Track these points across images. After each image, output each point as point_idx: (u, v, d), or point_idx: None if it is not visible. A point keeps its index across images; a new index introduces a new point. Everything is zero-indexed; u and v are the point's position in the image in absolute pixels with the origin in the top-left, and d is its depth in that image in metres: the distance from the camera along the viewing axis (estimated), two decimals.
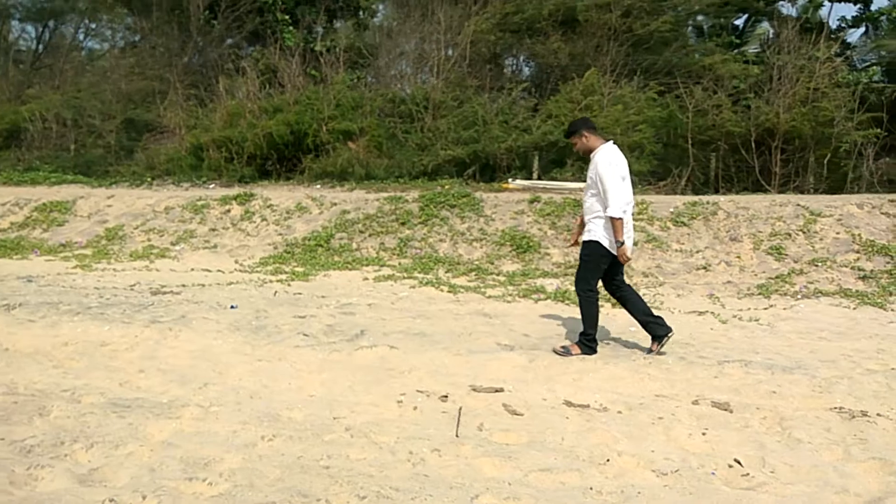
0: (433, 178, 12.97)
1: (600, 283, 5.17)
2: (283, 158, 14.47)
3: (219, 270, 8.50)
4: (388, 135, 14.07)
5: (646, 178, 13.27)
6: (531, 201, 9.87)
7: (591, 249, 4.97)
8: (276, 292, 7.11)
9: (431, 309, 6.40)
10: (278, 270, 8.45)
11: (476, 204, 9.98)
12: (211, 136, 14.35)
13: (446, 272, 8.28)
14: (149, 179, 14.34)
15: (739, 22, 20.19)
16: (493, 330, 5.69)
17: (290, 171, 14.47)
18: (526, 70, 18.73)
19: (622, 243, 4.86)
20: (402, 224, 9.70)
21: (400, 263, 8.67)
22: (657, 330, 5.05)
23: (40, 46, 24.72)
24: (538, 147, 13.26)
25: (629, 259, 5.00)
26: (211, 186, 13.78)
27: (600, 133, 5.17)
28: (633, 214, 9.16)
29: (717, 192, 13.39)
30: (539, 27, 16.88)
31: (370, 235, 9.54)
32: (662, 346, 5.02)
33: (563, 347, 5.08)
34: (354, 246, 9.33)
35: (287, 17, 23.01)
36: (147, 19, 20.74)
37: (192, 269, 8.56)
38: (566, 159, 13.35)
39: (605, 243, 4.89)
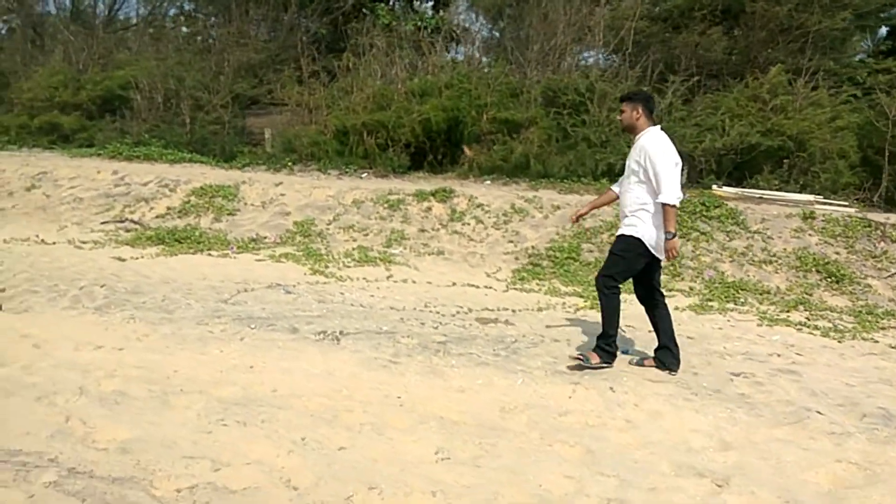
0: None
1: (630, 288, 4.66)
2: (435, 148, 13.01)
3: (488, 287, 7.08)
4: (555, 127, 12.61)
5: (842, 190, 11.90)
6: (805, 217, 8.50)
7: (629, 245, 4.33)
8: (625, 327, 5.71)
9: (862, 367, 5.01)
10: (554, 291, 7.05)
11: (735, 216, 8.59)
12: (359, 119, 12.84)
13: (762, 303, 6.88)
14: (289, 164, 12.85)
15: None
16: None
17: (445, 162, 13.03)
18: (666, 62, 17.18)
19: (674, 235, 4.24)
20: None
21: (691, 288, 7.27)
22: (670, 361, 4.51)
23: (113, 9, 23.05)
24: (736, 150, 11.85)
25: (678, 255, 4.40)
26: (363, 175, 12.34)
27: (653, 118, 4.48)
28: None
29: None
30: (695, 16, 15.40)
31: None
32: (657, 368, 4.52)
33: (579, 357, 4.47)
34: None
35: None
36: None
37: (454, 283, 7.14)
38: (762, 164, 11.99)
39: (647, 241, 4.27)
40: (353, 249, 8.44)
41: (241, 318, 5.23)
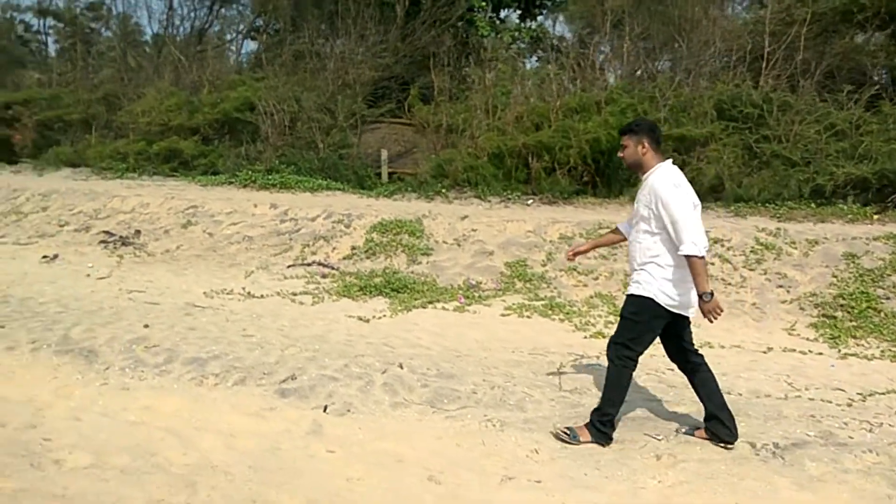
0: (828, 201, 10.24)
1: (660, 353, 3.95)
2: (600, 170, 11.83)
3: (810, 351, 5.82)
4: (740, 144, 11.33)
5: None
6: None
7: (641, 307, 3.61)
8: None
9: None
10: (890, 353, 5.75)
11: None
12: (518, 140, 11.71)
13: None
14: (443, 190, 11.75)
15: None
16: None
17: (612, 185, 11.82)
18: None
19: (711, 295, 3.44)
20: None
21: None
22: (724, 433, 3.71)
23: (205, 29, 22.33)
24: None
25: (721, 313, 3.49)
26: (529, 202, 11.20)
27: (662, 151, 3.74)
28: None
29: None
30: (855, 19, 13.97)
31: None
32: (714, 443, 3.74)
33: (567, 430, 3.79)
34: None
35: (485, 3, 20.50)
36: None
37: (770, 349, 5.88)
38: None
39: (662, 300, 3.56)
40: (593, 297, 7.25)
41: (631, 419, 4.03)
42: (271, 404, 4.13)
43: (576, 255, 4.27)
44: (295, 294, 7.12)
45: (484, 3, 20.11)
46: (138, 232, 9.66)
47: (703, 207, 9.98)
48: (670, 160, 3.70)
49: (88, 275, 7.79)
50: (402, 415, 4.05)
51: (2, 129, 17.52)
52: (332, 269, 8.23)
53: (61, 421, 3.78)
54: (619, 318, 3.79)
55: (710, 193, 10.75)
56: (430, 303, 6.96)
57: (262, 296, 7.05)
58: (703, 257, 3.43)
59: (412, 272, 8.03)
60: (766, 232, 8.19)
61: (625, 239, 3.95)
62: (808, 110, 11.54)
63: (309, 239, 9.07)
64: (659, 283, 3.57)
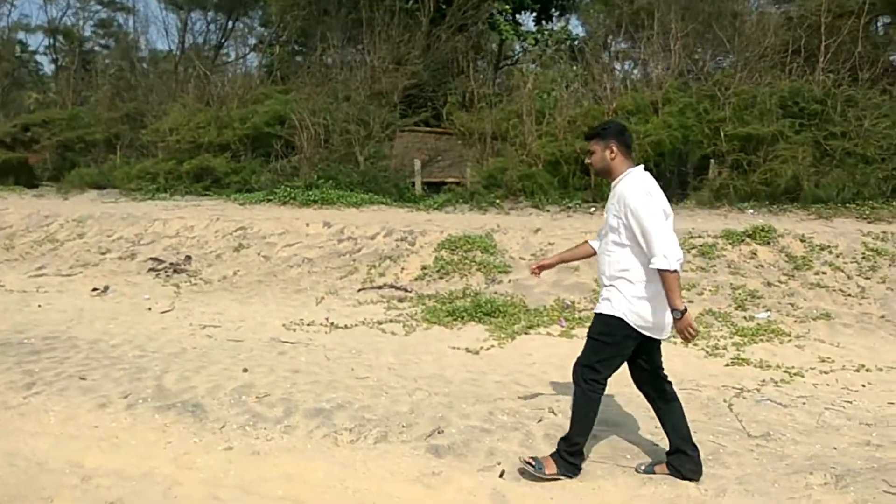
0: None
1: (626, 375, 3.47)
2: (661, 174, 11.23)
3: None
4: (810, 142, 10.75)
5: None
6: None
7: (609, 327, 3.27)
8: None
9: None
10: None
11: None
12: (572, 146, 11.15)
13: None
14: (497, 202, 11.16)
15: None
16: None
17: (669, 187, 11.24)
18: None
19: (684, 311, 3.11)
20: None
21: None
22: (688, 468, 3.36)
23: (223, 41, 21.76)
24: None
25: (695, 334, 3.17)
26: (592, 210, 10.61)
27: (632, 155, 3.41)
28: None
29: None
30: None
31: None
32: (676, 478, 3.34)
33: (532, 460, 3.38)
34: None
35: (508, 6, 20.03)
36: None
37: None
38: None
39: (631, 320, 3.22)
40: (704, 315, 6.65)
41: (851, 473, 3.43)
42: (432, 467, 3.52)
43: (541, 268, 3.93)
44: (381, 322, 6.51)
45: (508, 6, 19.63)
46: (189, 258, 9.06)
47: (777, 209, 9.42)
48: (641, 166, 3.36)
49: (150, 308, 7.18)
50: (589, 476, 3.44)
51: (20, 151, 16.93)
52: (406, 291, 7.64)
53: (199, 503, 3.17)
54: (587, 339, 3.39)
55: (784, 195, 10.20)
56: (531, 328, 6.36)
57: (346, 326, 6.44)
58: (675, 271, 3.09)
59: (495, 293, 7.43)
60: (871, 236, 7.62)
61: (594, 254, 3.64)
62: (874, 104, 10.99)
63: (374, 259, 8.48)
64: (629, 303, 3.24)
